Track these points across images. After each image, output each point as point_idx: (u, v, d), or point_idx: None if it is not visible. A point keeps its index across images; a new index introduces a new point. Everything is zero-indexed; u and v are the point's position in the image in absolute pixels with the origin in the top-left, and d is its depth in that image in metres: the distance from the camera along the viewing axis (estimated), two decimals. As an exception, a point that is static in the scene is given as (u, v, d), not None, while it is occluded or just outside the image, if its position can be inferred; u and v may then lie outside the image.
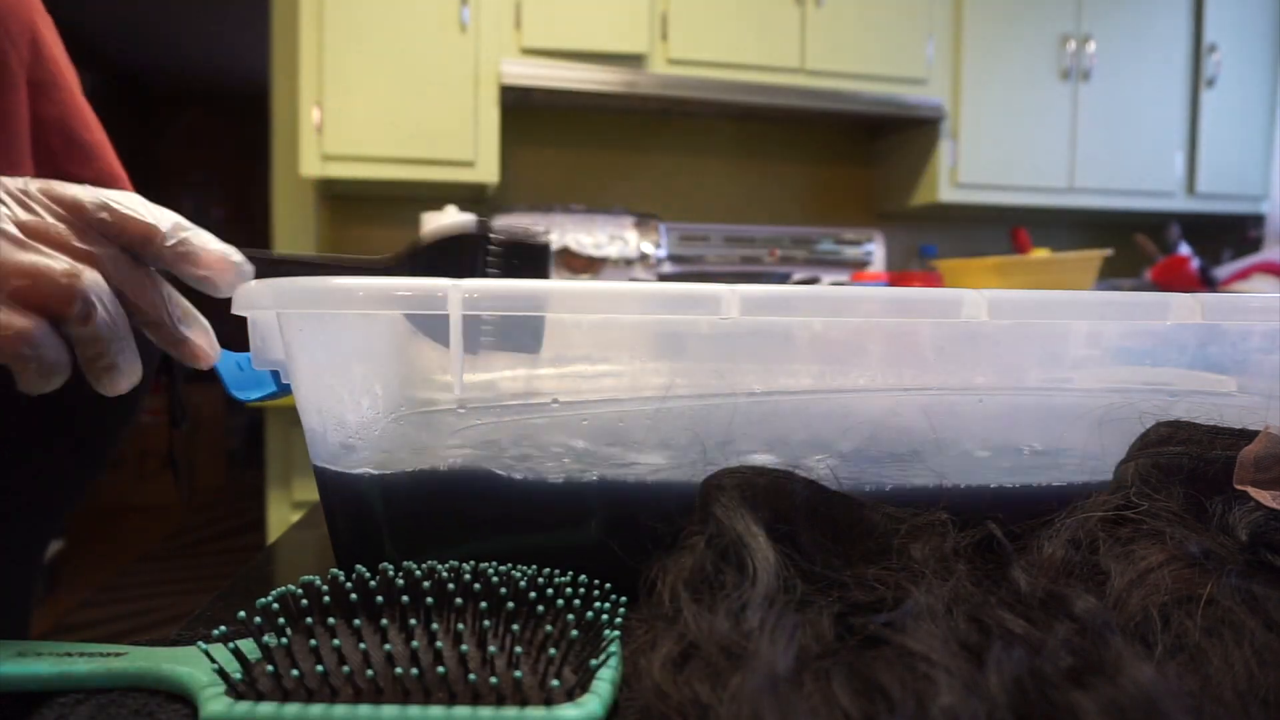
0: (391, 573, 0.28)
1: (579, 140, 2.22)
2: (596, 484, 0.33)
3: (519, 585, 0.27)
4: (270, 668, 0.23)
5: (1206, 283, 1.98)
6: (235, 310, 0.32)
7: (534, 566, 0.30)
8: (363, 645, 0.24)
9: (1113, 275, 2.42)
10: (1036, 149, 2.19)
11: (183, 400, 0.74)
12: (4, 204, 0.29)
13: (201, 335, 0.33)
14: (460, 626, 0.25)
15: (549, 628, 0.25)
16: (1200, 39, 2.30)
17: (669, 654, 0.22)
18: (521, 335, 0.33)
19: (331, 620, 0.25)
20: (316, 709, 0.22)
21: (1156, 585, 0.23)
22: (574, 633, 0.25)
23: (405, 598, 0.26)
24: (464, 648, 0.23)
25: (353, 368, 0.33)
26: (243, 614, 0.25)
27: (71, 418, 0.61)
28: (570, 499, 0.33)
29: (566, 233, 2.02)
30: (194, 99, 4.79)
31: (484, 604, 0.25)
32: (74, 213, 0.30)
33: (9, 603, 0.68)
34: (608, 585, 0.29)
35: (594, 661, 0.24)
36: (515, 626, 0.24)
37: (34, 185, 0.30)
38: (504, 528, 0.34)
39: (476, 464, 0.33)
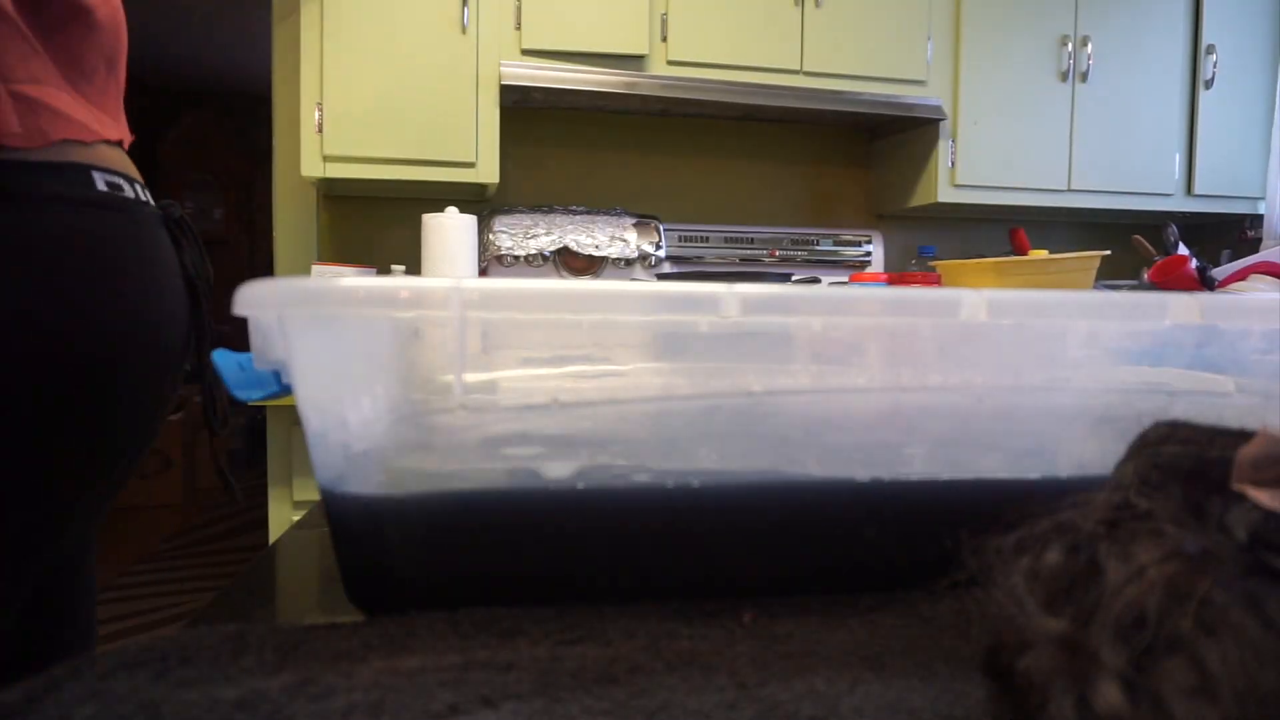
0: None
1: (579, 140, 2.22)
2: (615, 489, 0.33)
3: None
4: None
5: (1205, 283, 1.98)
6: (236, 311, 0.32)
7: None
8: None
9: (1112, 276, 2.42)
10: (1035, 149, 2.19)
11: (224, 406, 0.74)
12: None
13: None
14: None
15: None
16: (1199, 40, 2.30)
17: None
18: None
19: None
20: None
21: (1153, 583, 0.23)
22: None
23: None
24: None
25: (353, 368, 0.33)
26: None
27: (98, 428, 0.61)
28: (588, 506, 0.33)
29: (566, 233, 2.02)
30: (194, 99, 4.79)
31: None
32: None
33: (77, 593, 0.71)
34: None
35: None
36: None
37: None
38: (527, 543, 0.34)
39: (493, 480, 0.33)
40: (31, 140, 0.57)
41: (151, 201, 0.68)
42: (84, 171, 0.60)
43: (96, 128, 0.63)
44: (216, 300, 0.69)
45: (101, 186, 0.61)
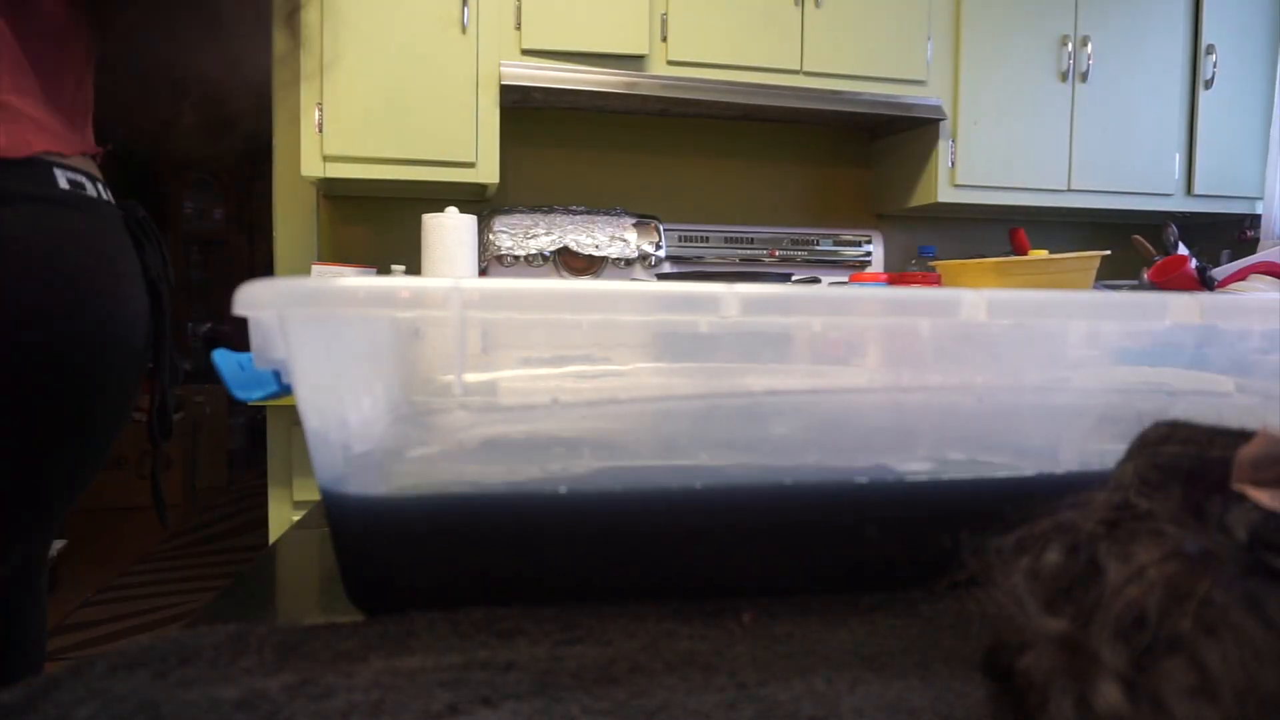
0: None
1: (579, 140, 2.22)
2: (617, 492, 0.33)
3: None
4: None
5: (1204, 283, 1.98)
6: (236, 311, 0.32)
7: None
8: None
9: (1112, 276, 2.42)
10: (1035, 149, 2.19)
11: (171, 415, 0.73)
12: None
13: None
14: None
15: None
16: (1198, 40, 2.30)
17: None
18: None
19: None
20: None
21: (1153, 583, 0.23)
22: None
23: None
24: None
25: (353, 367, 0.33)
26: None
27: (68, 418, 0.60)
28: (588, 510, 0.33)
29: (566, 233, 2.02)
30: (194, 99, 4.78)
31: None
32: None
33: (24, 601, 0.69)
34: None
35: None
36: None
37: None
38: (532, 548, 0.34)
39: (492, 480, 0.33)
40: (15, 150, 0.58)
41: (113, 201, 0.68)
42: (46, 169, 0.60)
43: (75, 140, 0.64)
44: (217, 300, 0.69)
45: (64, 184, 0.61)
